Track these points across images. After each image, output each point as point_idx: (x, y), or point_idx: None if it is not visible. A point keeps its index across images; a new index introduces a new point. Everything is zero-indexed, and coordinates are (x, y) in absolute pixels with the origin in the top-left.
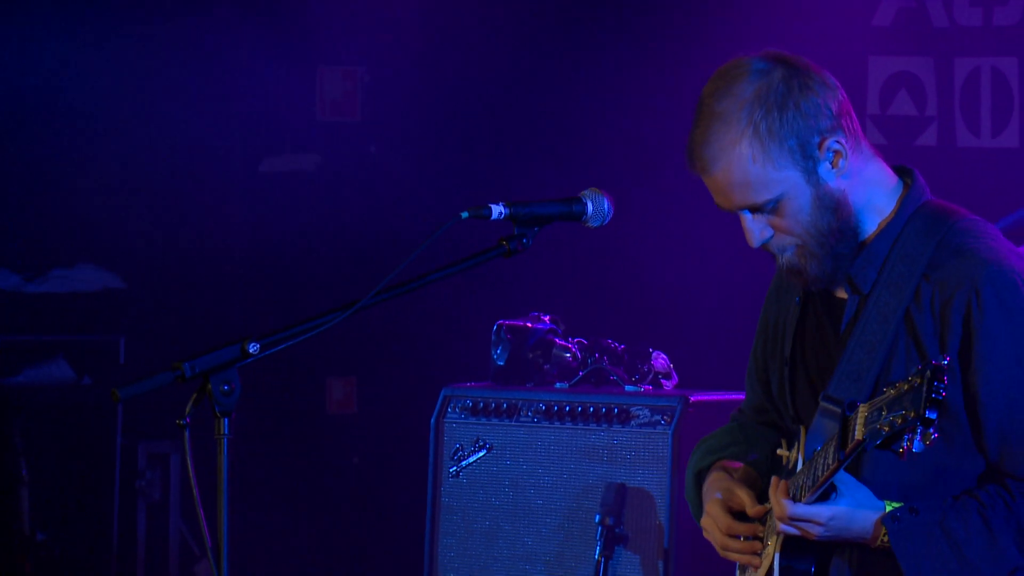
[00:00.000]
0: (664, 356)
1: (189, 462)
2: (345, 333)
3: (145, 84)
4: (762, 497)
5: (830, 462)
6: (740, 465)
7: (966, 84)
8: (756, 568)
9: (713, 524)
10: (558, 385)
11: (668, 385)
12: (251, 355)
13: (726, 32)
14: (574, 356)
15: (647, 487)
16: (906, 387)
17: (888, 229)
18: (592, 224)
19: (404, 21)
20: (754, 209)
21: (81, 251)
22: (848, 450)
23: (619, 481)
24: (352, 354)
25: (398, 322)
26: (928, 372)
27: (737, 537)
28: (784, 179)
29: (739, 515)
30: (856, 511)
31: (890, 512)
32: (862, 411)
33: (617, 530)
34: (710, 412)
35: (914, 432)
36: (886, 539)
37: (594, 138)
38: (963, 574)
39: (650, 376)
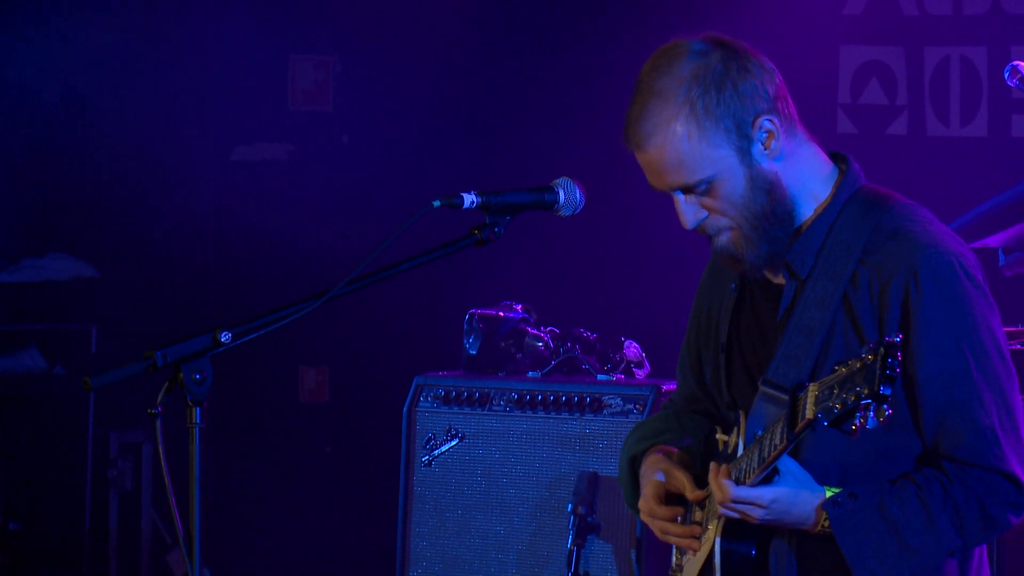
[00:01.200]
0: (636, 345)
1: (161, 451)
2: (317, 322)
3: (117, 73)
4: (700, 482)
5: (777, 442)
6: (675, 451)
7: (936, 73)
8: (695, 552)
9: (651, 507)
10: (530, 374)
11: (640, 374)
12: (223, 344)
13: (699, 23)
14: (546, 345)
15: None
16: (858, 365)
17: (824, 214)
18: (564, 213)
19: (376, 11)
20: (687, 190)
21: (53, 240)
22: (799, 429)
23: (591, 470)
24: (325, 343)
25: (371, 311)
26: (882, 349)
27: (676, 520)
28: (719, 158)
29: (678, 499)
30: (798, 494)
31: (831, 497)
32: (812, 390)
33: (589, 519)
34: None
35: (867, 409)
36: (827, 524)
37: (567, 127)
38: (902, 557)
39: (622, 365)
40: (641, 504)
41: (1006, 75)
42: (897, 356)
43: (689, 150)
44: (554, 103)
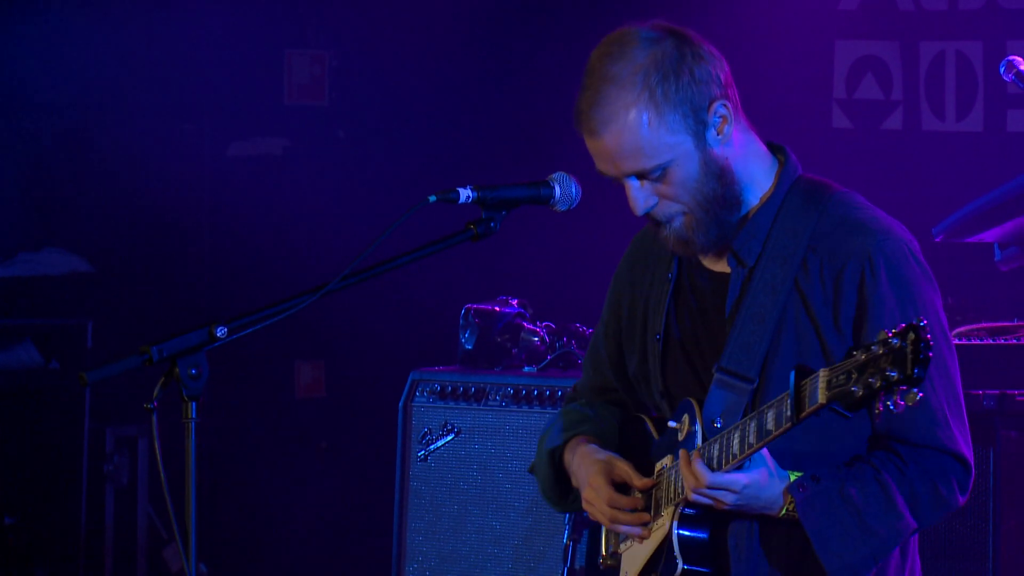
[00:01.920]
0: None
1: (157, 446)
2: (313, 317)
3: (113, 68)
4: (640, 470)
5: (770, 428)
6: (598, 441)
7: (931, 68)
8: (642, 540)
9: (597, 496)
10: (526, 369)
11: None
12: (219, 339)
13: (693, 19)
14: (542, 340)
15: None
16: (882, 350)
17: (769, 203)
18: (560, 208)
19: (372, 6)
20: (641, 176)
21: (48, 235)
22: (806, 413)
23: None
24: (321, 338)
25: (367, 306)
26: (911, 333)
27: (624, 509)
28: (676, 144)
29: (622, 487)
30: (768, 479)
31: (795, 482)
32: (824, 375)
33: (585, 514)
34: None
35: (894, 393)
36: (792, 508)
37: (563, 122)
38: (864, 539)
39: None
40: (589, 493)
41: (1001, 70)
42: (928, 339)
43: (648, 136)
44: (551, 98)
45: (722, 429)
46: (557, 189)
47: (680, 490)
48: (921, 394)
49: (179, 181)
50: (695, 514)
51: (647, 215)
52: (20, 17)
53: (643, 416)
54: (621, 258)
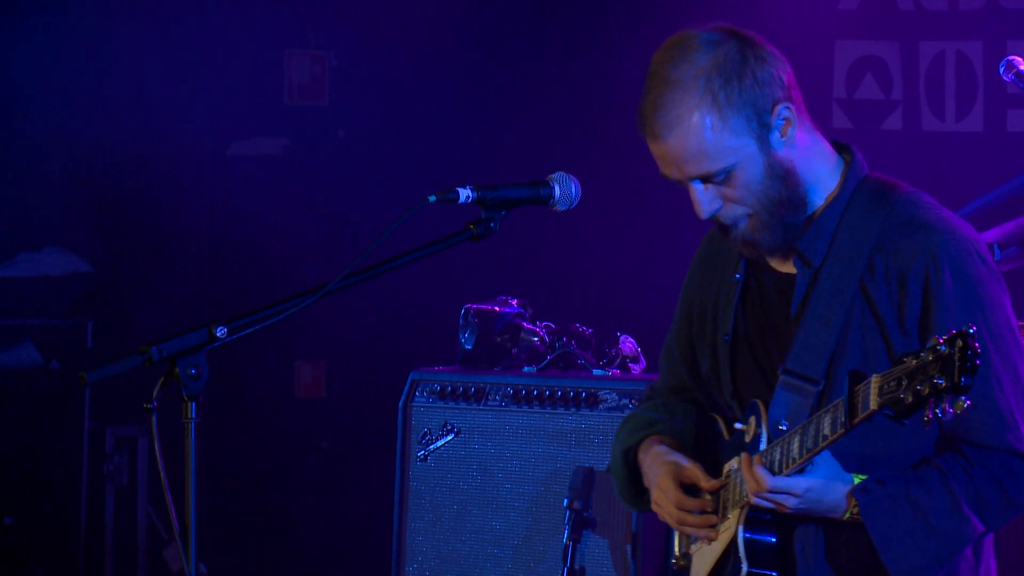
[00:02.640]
0: (632, 340)
1: (157, 446)
2: (313, 317)
3: (112, 68)
4: (710, 471)
5: (827, 433)
6: (672, 441)
7: (931, 68)
8: (710, 541)
9: (666, 498)
10: (526, 369)
11: (636, 369)
12: (219, 339)
13: (693, 17)
14: (542, 340)
15: None
16: (931, 356)
17: (835, 203)
18: (560, 208)
19: (372, 5)
20: (706, 179)
21: (48, 235)
22: (858, 419)
23: (587, 465)
24: (320, 338)
25: (366, 306)
26: (959, 340)
27: (692, 511)
28: (739, 148)
29: (691, 489)
30: (830, 483)
31: (860, 484)
32: (875, 381)
33: (585, 514)
34: None
35: (941, 400)
36: (856, 511)
37: (564, 122)
38: (929, 542)
39: (618, 360)
40: (657, 495)
41: (1001, 70)
42: (975, 346)
43: (711, 140)
44: (551, 98)
45: (786, 432)
46: (557, 189)
47: (744, 493)
48: (968, 402)
49: (179, 181)
50: (761, 517)
51: (712, 218)
52: (19, 17)
53: (716, 416)
54: (692, 257)
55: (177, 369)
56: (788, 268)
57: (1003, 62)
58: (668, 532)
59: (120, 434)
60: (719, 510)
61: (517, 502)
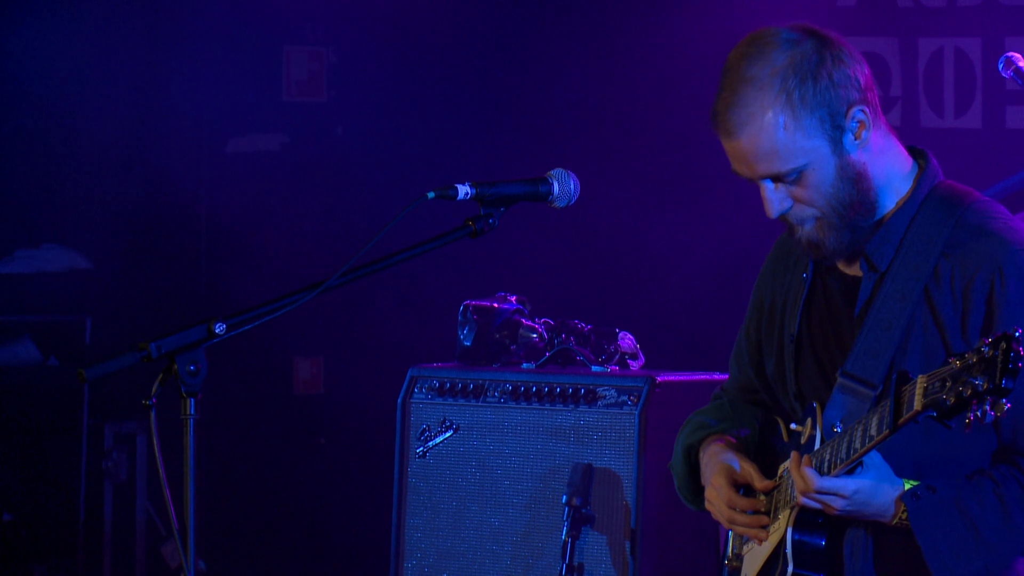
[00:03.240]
0: (631, 337)
1: (155, 443)
2: (312, 313)
3: (111, 65)
4: (764, 470)
5: (874, 433)
6: (734, 440)
7: (930, 64)
8: (761, 542)
9: (718, 497)
10: (524, 366)
11: (635, 366)
12: (217, 335)
13: (690, 14)
14: (540, 336)
15: (614, 467)
16: (975, 358)
17: (905, 208)
18: (558, 204)
19: (371, 2)
20: (777, 178)
21: (47, 232)
22: (903, 420)
23: (586, 462)
24: (319, 334)
25: (365, 302)
26: (1003, 343)
27: (744, 511)
28: (812, 149)
29: (745, 488)
30: (879, 486)
31: (910, 490)
32: (921, 382)
33: (584, 510)
34: (676, 392)
35: (983, 402)
36: (904, 516)
37: (561, 118)
38: (978, 552)
39: (616, 357)
40: (711, 493)
41: (1000, 66)
42: (1019, 349)
43: (784, 140)
44: (550, 94)
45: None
46: (556, 185)
47: (794, 495)
48: (1008, 404)
49: (177, 178)
50: (812, 519)
51: (780, 218)
52: (16, 13)
53: (778, 419)
54: (765, 257)
55: (176, 366)
56: (854, 271)
57: (1002, 58)
58: (719, 532)
59: (119, 431)
60: (771, 511)
61: (516, 499)
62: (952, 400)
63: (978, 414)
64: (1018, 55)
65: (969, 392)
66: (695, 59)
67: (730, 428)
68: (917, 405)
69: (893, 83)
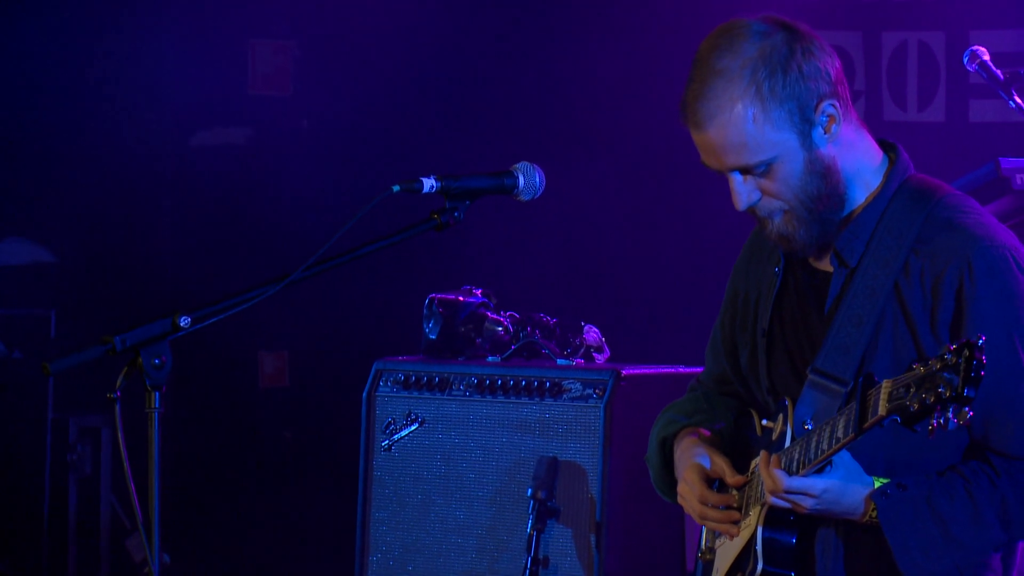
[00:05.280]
0: (596, 330)
1: (120, 436)
2: (277, 307)
3: (74, 57)
4: (737, 465)
5: (840, 436)
6: (707, 433)
7: (893, 58)
8: (732, 537)
9: (690, 492)
10: (490, 359)
11: (600, 359)
12: (182, 328)
13: (651, 8)
14: (506, 329)
15: (579, 461)
16: (939, 365)
17: (875, 202)
18: (524, 198)
19: None
20: (745, 171)
21: (10, 225)
22: (868, 425)
23: (551, 455)
24: (284, 328)
25: (330, 296)
26: (966, 350)
27: (715, 506)
28: (781, 141)
29: (716, 483)
30: (848, 485)
31: (879, 488)
32: (886, 386)
33: (549, 503)
34: (642, 386)
35: (947, 410)
36: (874, 515)
37: (528, 112)
38: (948, 550)
39: (582, 350)
40: (683, 488)
41: (965, 60)
42: (982, 358)
43: (753, 132)
44: (516, 88)
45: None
46: (521, 179)
47: (764, 492)
48: (971, 413)
49: (142, 171)
50: (783, 516)
51: (749, 210)
52: None
53: (752, 412)
54: (741, 249)
55: (140, 359)
56: (825, 266)
57: (967, 52)
58: (683, 525)
59: (83, 424)
60: (743, 506)
61: (481, 492)
62: (916, 406)
63: (941, 421)
64: (983, 49)
65: (933, 399)
66: (665, 51)
67: (705, 421)
68: (881, 410)
69: (857, 77)
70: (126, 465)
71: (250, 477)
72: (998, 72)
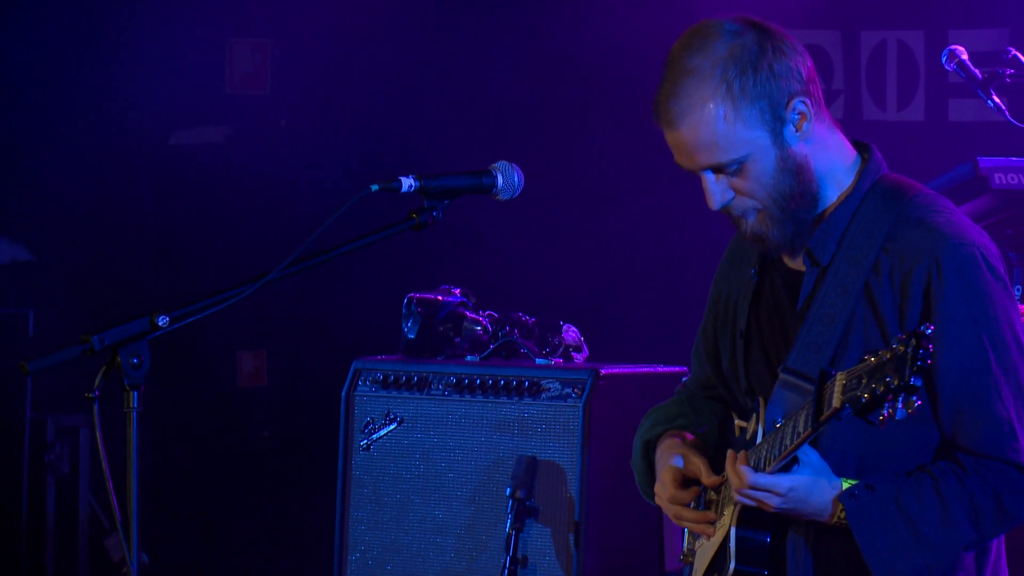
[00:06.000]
0: (575, 329)
1: (98, 435)
2: (256, 306)
3: (53, 56)
4: (716, 467)
5: (801, 430)
6: (691, 436)
7: (872, 58)
8: (708, 537)
9: (665, 491)
10: (469, 358)
11: (579, 358)
12: (161, 328)
13: (632, 8)
14: (485, 329)
15: (558, 460)
16: (888, 355)
17: (847, 202)
18: (502, 197)
19: None
20: (717, 169)
21: None
22: (824, 418)
23: (530, 454)
24: (263, 327)
25: (309, 295)
26: (913, 340)
27: (690, 505)
28: (752, 139)
29: (694, 483)
30: (816, 483)
31: (848, 489)
32: (840, 379)
33: (528, 503)
34: (620, 385)
35: (896, 399)
36: (843, 516)
37: (507, 111)
38: (918, 550)
39: (561, 349)
40: (658, 488)
41: (944, 59)
42: (929, 347)
43: (724, 130)
44: (495, 87)
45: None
46: (500, 178)
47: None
48: (919, 402)
49: (121, 169)
50: (757, 516)
51: (723, 210)
52: None
53: (733, 414)
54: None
55: (119, 358)
56: (799, 265)
57: (945, 51)
58: (661, 525)
59: (61, 423)
60: (719, 507)
61: (460, 491)
62: (867, 397)
63: (891, 411)
64: (961, 48)
65: (882, 389)
66: (645, 51)
67: (689, 424)
68: (836, 403)
69: (835, 76)
70: (104, 465)
71: (229, 476)
72: (976, 71)
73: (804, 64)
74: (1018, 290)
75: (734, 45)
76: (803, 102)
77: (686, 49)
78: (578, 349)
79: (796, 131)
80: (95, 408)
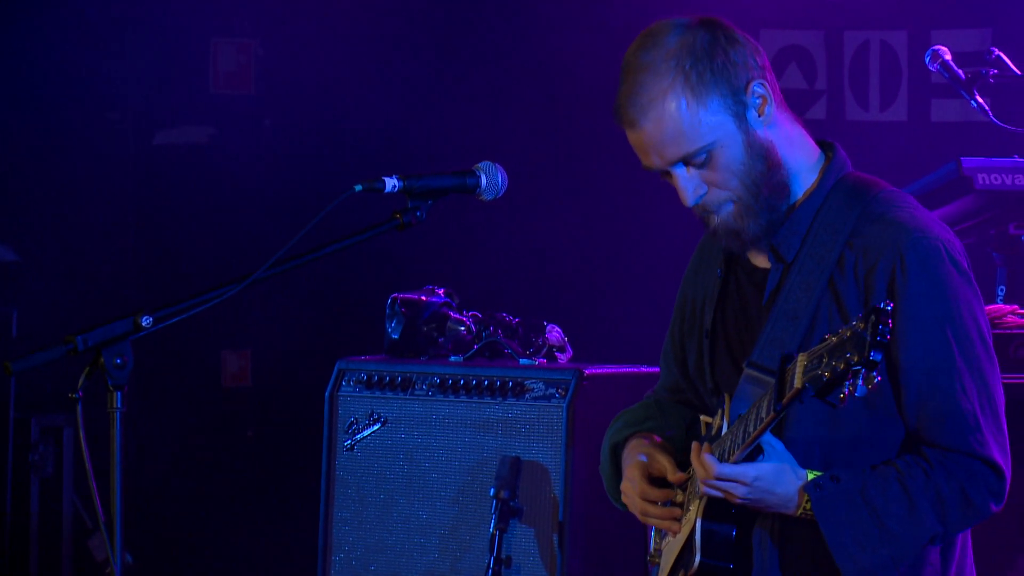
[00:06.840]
0: (559, 329)
1: (82, 436)
2: (240, 306)
3: (36, 56)
4: (683, 466)
5: (763, 416)
6: (659, 439)
7: (855, 58)
8: (675, 534)
9: (632, 489)
10: (452, 358)
11: (563, 358)
12: (144, 328)
13: (615, 8)
14: (468, 329)
15: (542, 460)
16: (848, 333)
17: (811, 199)
18: (486, 197)
19: None
20: (687, 162)
21: None
22: (786, 399)
23: (514, 455)
24: (247, 327)
25: (293, 295)
26: (872, 315)
27: (656, 503)
28: (717, 125)
29: (660, 481)
30: (780, 473)
31: (813, 480)
32: (801, 360)
33: (512, 503)
34: (604, 385)
35: (856, 376)
36: (808, 507)
37: (491, 111)
38: (883, 543)
39: (544, 349)
40: (625, 486)
41: (927, 60)
42: (888, 323)
43: (688, 119)
44: (479, 86)
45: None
46: (483, 178)
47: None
48: (879, 378)
49: (104, 170)
50: (722, 509)
51: (696, 207)
52: None
53: (702, 417)
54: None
55: (102, 359)
56: (764, 262)
57: (928, 52)
58: (645, 525)
59: (45, 424)
60: (685, 503)
61: (444, 492)
62: (828, 375)
63: (851, 388)
64: (944, 48)
65: (843, 367)
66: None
67: (656, 428)
68: (797, 383)
69: (819, 76)
70: (88, 465)
71: (213, 476)
72: (960, 72)
73: (757, 53)
74: (1001, 290)
75: (685, 37)
76: (761, 84)
77: (639, 49)
78: (562, 349)
79: (759, 115)
80: (79, 408)
